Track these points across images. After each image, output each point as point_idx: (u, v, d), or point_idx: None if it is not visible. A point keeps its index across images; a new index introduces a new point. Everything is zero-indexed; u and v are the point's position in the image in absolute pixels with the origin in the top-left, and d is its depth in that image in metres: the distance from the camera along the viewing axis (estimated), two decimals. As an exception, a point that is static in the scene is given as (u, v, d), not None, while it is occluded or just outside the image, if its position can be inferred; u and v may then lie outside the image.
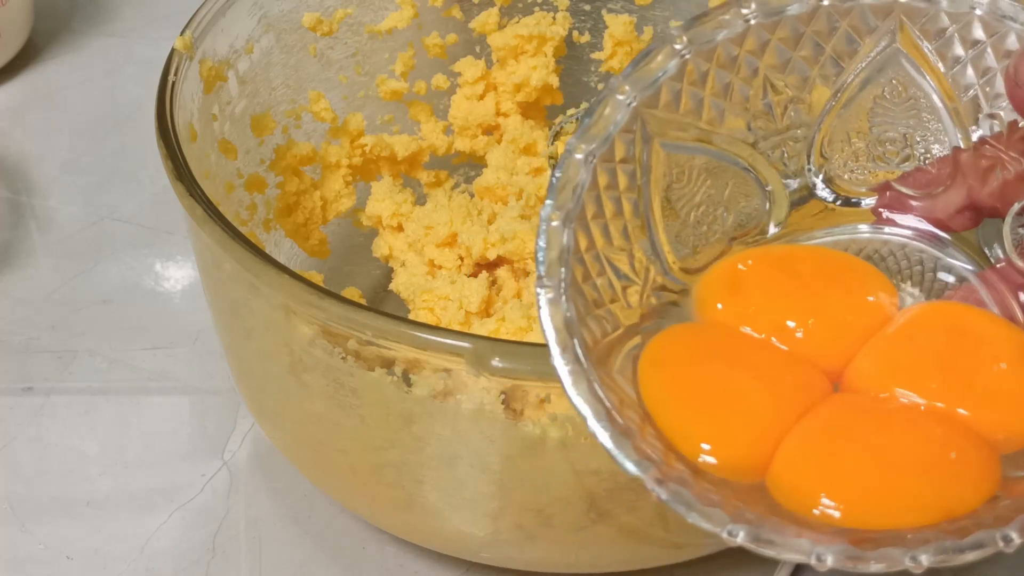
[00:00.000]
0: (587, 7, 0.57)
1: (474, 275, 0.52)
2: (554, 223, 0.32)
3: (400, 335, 0.36)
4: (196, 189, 0.40)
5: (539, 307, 0.31)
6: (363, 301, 0.53)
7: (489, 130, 0.57)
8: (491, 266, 0.52)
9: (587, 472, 0.39)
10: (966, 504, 0.29)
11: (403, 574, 0.48)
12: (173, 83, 0.44)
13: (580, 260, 0.33)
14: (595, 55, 0.57)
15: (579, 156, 0.33)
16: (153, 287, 0.60)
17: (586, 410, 0.30)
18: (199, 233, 0.40)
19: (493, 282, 0.52)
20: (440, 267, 0.53)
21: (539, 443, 0.38)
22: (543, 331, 0.31)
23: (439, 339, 0.35)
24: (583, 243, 0.33)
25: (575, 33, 0.58)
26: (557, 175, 0.33)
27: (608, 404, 0.30)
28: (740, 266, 0.36)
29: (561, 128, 0.48)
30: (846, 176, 0.37)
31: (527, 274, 0.51)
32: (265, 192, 0.52)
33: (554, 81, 0.55)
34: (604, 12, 0.57)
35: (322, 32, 0.53)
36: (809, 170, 0.37)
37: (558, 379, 0.30)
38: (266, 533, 0.49)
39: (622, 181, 0.34)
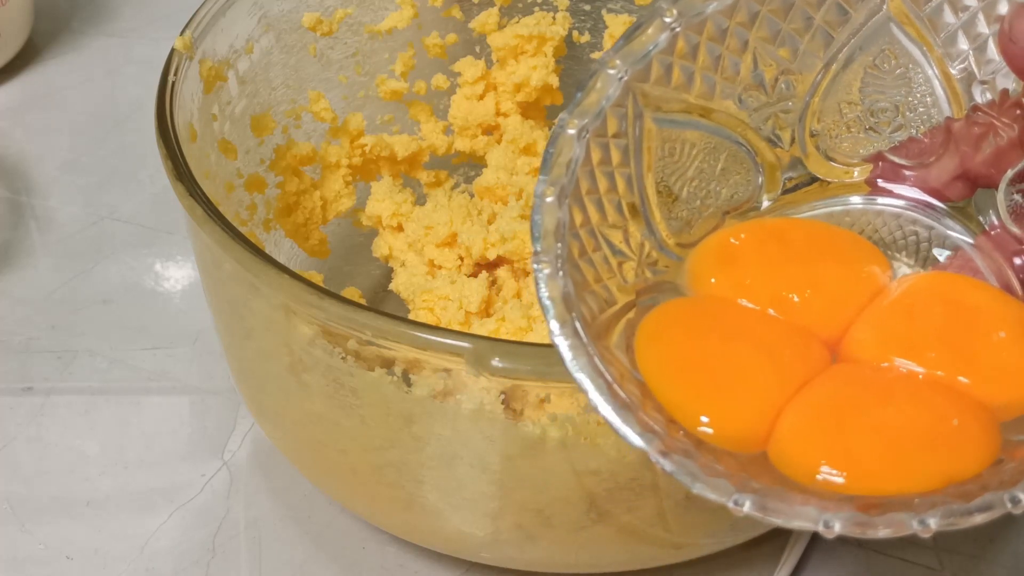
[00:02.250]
0: (587, 7, 0.57)
1: (474, 275, 0.52)
2: (548, 199, 0.32)
3: (400, 335, 0.36)
4: (196, 189, 0.40)
5: (537, 282, 0.31)
6: (363, 301, 0.53)
7: (489, 130, 0.57)
8: (491, 266, 0.52)
9: (587, 472, 0.39)
10: (968, 470, 0.29)
11: (403, 574, 0.48)
12: (173, 83, 0.44)
13: (576, 235, 0.33)
14: (595, 55, 0.57)
15: (572, 131, 0.33)
16: (153, 287, 0.61)
17: (587, 384, 0.30)
18: (199, 233, 0.40)
19: (493, 282, 0.52)
20: (440, 267, 0.53)
21: (539, 443, 0.38)
22: (542, 306, 0.31)
23: (439, 339, 0.35)
24: (578, 219, 0.33)
25: (575, 33, 0.58)
26: (550, 150, 0.33)
27: (609, 378, 0.30)
28: (732, 239, 0.36)
29: (561, 128, 0.48)
30: (839, 147, 0.37)
31: (527, 274, 0.51)
32: (265, 192, 0.52)
33: (554, 81, 0.55)
34: (604, 12, 0.57)
35: (322, 32, 0.53)
36: (801, 142, 0.37)
37: (558, 354, 0.30)
38: (266, 533, 0.49)
39: (615, 156, 0.34)
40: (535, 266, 0.31)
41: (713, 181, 0.36)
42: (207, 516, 0.50)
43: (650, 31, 0.35)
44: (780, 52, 0.36)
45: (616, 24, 0.56)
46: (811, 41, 0.36)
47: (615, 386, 0.30)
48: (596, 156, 0.34)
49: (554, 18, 0.56)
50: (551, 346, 0.36)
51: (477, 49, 0.57)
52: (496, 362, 0.35)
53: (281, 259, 0.51)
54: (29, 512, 0.50)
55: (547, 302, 0.31)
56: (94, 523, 0.50)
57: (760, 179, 0.37)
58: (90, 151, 0.69)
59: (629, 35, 0.35)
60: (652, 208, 0.35)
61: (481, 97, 0.56)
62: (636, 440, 0.29)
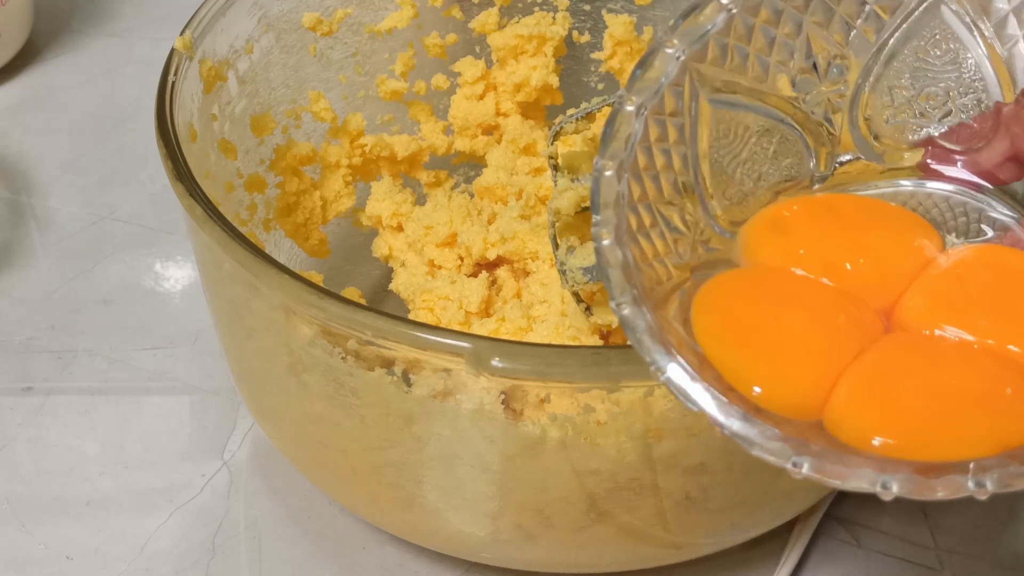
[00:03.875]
0: (587, 7, 0.57)
1: (474, 275, 0.52)
2: (608, 172, 0.33)
3: (400, 335, 0.36)
4: (196, 189, 0.40)
5: (597, 252, 0.32)
6: (363, 301, 0.53)
7: (489, 130, 0.57)
8: (491, 266, 0.52)
9: (587, 472, 0.39)
10: (1021, 436, 0.29)
11: (403, 574, 0.48)
12: (173, 83, 0.44)
13: (634, 209, 0.33)
14: (595, 55, 0.57)
15: (631, 108, 0.34)
16: (153, 287, 0.61)
17: (649, 348, 0.30)
18: (199, 233, 0.40)
19: (493, 282, 0.52)
20: (440, 267, 0.53)
21: (539, 443, 0.38)
22: (603, 276, 0.31)
23: (439, 339, 0.35)
24: (636, 193, 0.33)
25: (575, 33, 0.57)
26: (609, 127, 0.33)
27: (669, 345, 0.30)
28: (785, 212, 0.36)
29: (561, 128, 0.48)
30: (890, 132, 0.38)
31: (527, 274, 0.51)
32: (265, 192, 0.52)
33: (554, 81, 0.55)
34: (604, 12, 0.57)
35: (322, 32, 0.53)
36: (853, 127, 0.38)
37: (620, 320, 0.31)
38: (266, 533, 0.49)
39: (672, 134, 0.35)
40: (595, 233, 0.32)
41: (766, 163, 0.37)
42: (207, 516, 0.50)
43: (707, 11, 0.35)
44: (834, 36, 0.37)
45: (616, 24, 0.56)
46: (864, 25, 0.37)
47: (674, 352, 0.30)
48: (654, 133, 0.34)
49: (554, 18, 0.56)
50: (551, 346, 0.36)
51: (477, 49, 0.57)
52: (496, 362, 0.35)
53: (281, 259, 0.51)
54: (29, 512, 0.50)
55: (608, 271, 0.31)
56: (94, 523, 0.50)
57: (812, 162, 0.38)
58: (90, 151, 0.69)
59: (686, 14, 0.35)
60: (707, 187, 0.36)
61: (481, 97, 0.56)
62: (700, 403, 0.29)
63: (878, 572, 0.48)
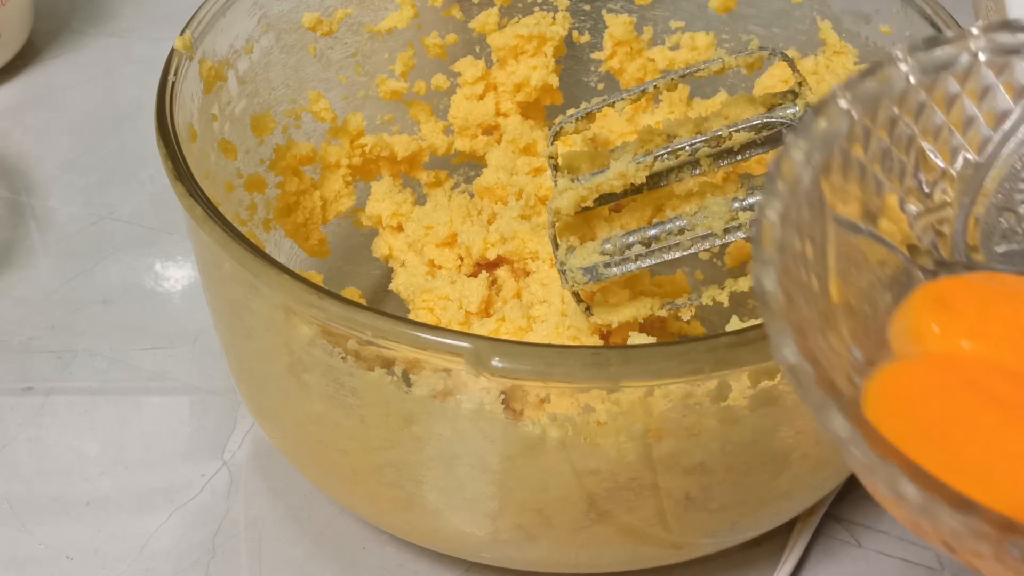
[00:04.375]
0: (587, 7, 0.57)
1: (474, 275, 0.52)
2: (769, 286, 0.29)
3: (400, 335, 0.36)
4: (196, 189, 0.40)
5: (779, 350, 0.28)
6: (363, 301, 0.53)
7: (489, 130, 0.57)
8: (491, 266, 0.52)
9: (587, 472, 0.39)
10: None
11: (403, 574, 0.48)
12: (173, 83, 0.44)
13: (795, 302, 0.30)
14: (595, 55, 0.57)
15: (774, 218, 0.30)
16: (153, 287, 0.61)
17: (851, 438, 0.27)
18: (199, 233, 0.40)
19: (493, 282, 0.52)
20: (440, 267, 0.53)
21: (539, 443, 0.38)
22: (787, 367, 0.28)
23: (439, 339, 0.35)
24: (794, 296, 0.30)
25: (575, 33, 0.58)
26: (756, 233, 0.30)
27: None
28: (946, 289, 0.33)
29: (561, 128, 0.48)
30: (997, 258, 0.35)
31: (527, 274, 0.51)
32: (265, 192, 0.52)
33: (554, 81, 0.55)
34: (604, 12, 0.57)
35: (322, 32, 0.53)
36: (961, 254, 0.35)
37: (813, 409, 0.28)
38: (266, 533, 0.49)
39: (808, 250, 0.31)
40: (776, 349, 0.29)
41: (880, 288, 0.33)
42: (207, 516, 0.50)
43: (829, 114, 0.32)
44: (940, 150, 0.34)
45: (616, 24, 0.56)
46: (969, 138, 0.34)
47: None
48: (796, 245, 0.31)
49: (554, 18, 0.56)
50: (551, 346, 0.36)
51: (477, 49, 0.57)
52: (496, 362, 0.35)
53: (281, 259, 0.51)
54: (29, 512, 0.50)
55: (797, 360, 0.28)
56: (94, 523, 0.50)
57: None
58: (90, 151, 0.69)
59: (814, 112, 0.32)
60: (834, 306, 0.32)
61: (481, 97, 0.56)
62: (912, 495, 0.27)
63: (878, 572, 0.48)
